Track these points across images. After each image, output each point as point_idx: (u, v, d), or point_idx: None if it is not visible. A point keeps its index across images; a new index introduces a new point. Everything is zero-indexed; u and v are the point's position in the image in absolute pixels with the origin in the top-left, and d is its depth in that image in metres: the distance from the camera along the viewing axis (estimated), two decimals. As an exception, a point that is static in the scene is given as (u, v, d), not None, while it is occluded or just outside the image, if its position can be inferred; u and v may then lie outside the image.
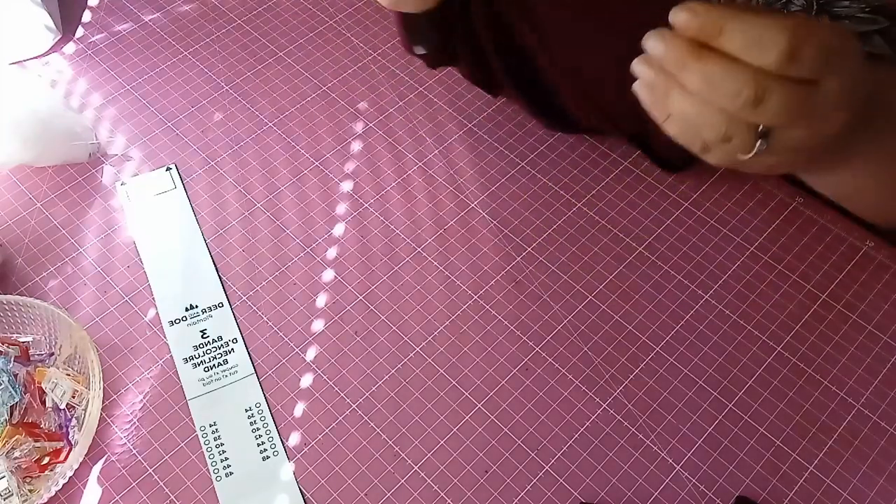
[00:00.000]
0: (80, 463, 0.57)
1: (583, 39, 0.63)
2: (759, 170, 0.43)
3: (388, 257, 0.68)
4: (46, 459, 0.57)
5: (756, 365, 0.61)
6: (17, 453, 0.56)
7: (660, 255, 0.67)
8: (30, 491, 0.55)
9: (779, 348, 0.62)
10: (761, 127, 0.38)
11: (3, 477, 0.55)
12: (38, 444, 0.57)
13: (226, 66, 0.82)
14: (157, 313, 0.65)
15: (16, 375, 0.59)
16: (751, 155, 0.39)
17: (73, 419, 0.59)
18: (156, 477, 0.57)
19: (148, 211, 0.71)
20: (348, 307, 0.65)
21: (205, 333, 0.64)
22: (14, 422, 0.58)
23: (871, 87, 0.39)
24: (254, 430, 0.59)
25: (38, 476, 0.56)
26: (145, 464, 0.58)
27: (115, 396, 0.61)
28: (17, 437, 0.56)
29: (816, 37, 0.35)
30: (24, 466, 0.56)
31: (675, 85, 0.39)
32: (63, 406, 0.58)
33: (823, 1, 0.48)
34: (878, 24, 0.47)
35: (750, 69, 0.36)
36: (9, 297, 0.62)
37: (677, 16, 0.36)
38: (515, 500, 0.56)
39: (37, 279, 0.67)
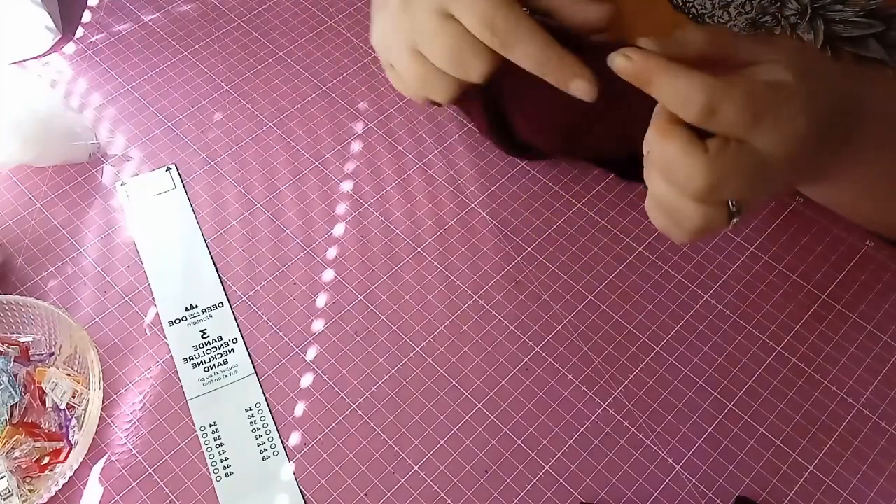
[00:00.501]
0: (80, 463, 0.57)
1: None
2: None
3: (388, 257, 0.68)
4: (46, 459, 0.57)
5: (756, 365, 0.61)
6: (17, 453, 0.56)
7: (660, 255, 0.67)
8: (30, 491, 0.55)
9: (779, 348, 0.62)
10: (732, 205, 0.37)
11: (3, 477, 0.55)
12: (38, 444, 0.57)
13: (226, 66, 0.82)
14: (157, 313, 0.65)
15: (16, 375, 0.59)
16: (729, 228, 0.38)
17: (73, 419, 0.59)
18: (156, 477, 0.57)
19: (148, 211, 0.71)
20: (348, 307, 0.65)
21: (205, 333, 0.64)
22: (14, 422, 0.58)
23: (844, 118, 0.37)
24: (254, 430, 0.59)
25: (38, 476, 0.56)
26: (145, 464, 0.58)
27: (115, 396, 0.61)
28: (17, 437, 0.56)
29: (737, 95, 0.34)
30: (24, 466, 0.56)
31: (650, 162, 0.37)
32: (63, 406, 0.58)
33: (818, 5, 0.48)
34: (874, 28, 0.47)
35: (704, 155, 0.34)
36: (9, 297, 0.62)
37: (614, 61, 0.35)
38: (515, 500, 0.56)
39: (37, 279, 0.67)
